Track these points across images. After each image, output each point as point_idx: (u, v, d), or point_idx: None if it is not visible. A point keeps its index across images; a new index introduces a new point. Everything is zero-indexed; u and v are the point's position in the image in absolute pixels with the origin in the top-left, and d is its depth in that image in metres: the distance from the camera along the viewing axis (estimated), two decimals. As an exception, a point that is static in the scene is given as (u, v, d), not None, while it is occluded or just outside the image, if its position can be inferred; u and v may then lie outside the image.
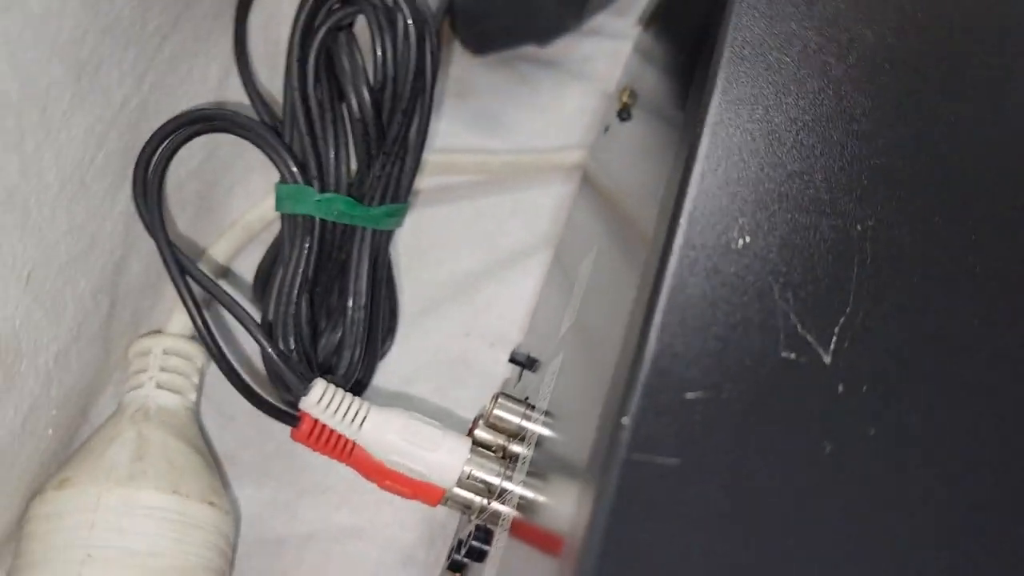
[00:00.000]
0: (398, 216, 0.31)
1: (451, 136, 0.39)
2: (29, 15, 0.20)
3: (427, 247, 0.36)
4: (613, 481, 0.17)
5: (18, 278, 0.22)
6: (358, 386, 0.31)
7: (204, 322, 0.27)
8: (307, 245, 0.29)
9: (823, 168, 0.22)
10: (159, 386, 0.29)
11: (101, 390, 0.29)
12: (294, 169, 0.29)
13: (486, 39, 0.41)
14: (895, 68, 0.25)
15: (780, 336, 0.20)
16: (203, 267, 0.31)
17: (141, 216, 0.27)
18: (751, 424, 0.18)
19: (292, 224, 0.29)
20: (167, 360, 0.29)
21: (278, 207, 0.29)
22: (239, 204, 0.33)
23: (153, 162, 0.27)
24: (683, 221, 0.21)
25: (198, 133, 0.28)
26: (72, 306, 0.25)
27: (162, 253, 0.26)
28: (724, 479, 0.18)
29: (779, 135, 0.23)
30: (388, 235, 0.31)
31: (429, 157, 0.36)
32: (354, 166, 0.30)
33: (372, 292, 0.31)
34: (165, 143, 0.27)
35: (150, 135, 0.27)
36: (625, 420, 0.18)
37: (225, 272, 0.32)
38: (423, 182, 0.37)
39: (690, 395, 0.18)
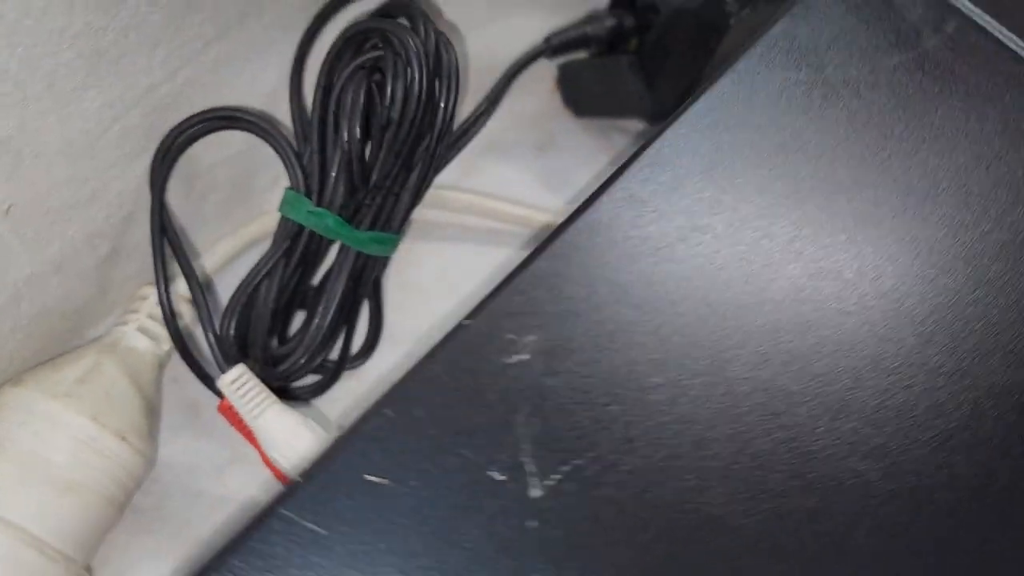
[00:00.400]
0: (386, 244, 0.34)
1: (514, 184, 0.41)
2: (30, 7, 0.24)
3: (447, 281, 0.38)
4: (257, 525, 0.19)
5: (-3, 208, 0.27)
6: (299, 390, 0.34)
7: (165, 277, 0.31)
8: (284, 247, 0.32)
9: (642, 317, 0.22)
10: (139, 329, 0.33)
11: (99, 320, 0.34)
12: (299, 178, 0.32)
13: (585, 105, 0.42)
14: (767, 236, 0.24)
15: (498, 455, 0.20)
16: (228, 244, 0.36)
17: (151, 178, 0.31)
18: (416, 524, 0.19)
19: (285, 226, 0.33)
20: (157, 310, 0.33)
21: (280, 208, 0.33)
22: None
23: (175, 142, 0.32)
24: (469, 320, 0.22)
25: (222, 128, 0.32)
26: (58, 244, 0.30)
27: (152, 210, 0.31)
28: (358, 565, 0.19)
29: (624, 263, 0.23)
30: (376, 260, 0.34)
31: (476, 199, 0.39)
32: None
33: (347, 310, 0.34)
34: (190, 130, 0.32)
35: (180, 120, 0.31)
36: (299, 479, 0.19)
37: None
38: (468, 220, 0.39)
39: (371, 478, 0.20)
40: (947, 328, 0.23)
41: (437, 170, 0.34)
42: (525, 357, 0.21)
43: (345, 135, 0.31)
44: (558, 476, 0.20)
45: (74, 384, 0.31)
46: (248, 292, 0.32)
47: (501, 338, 0.21)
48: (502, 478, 0.20)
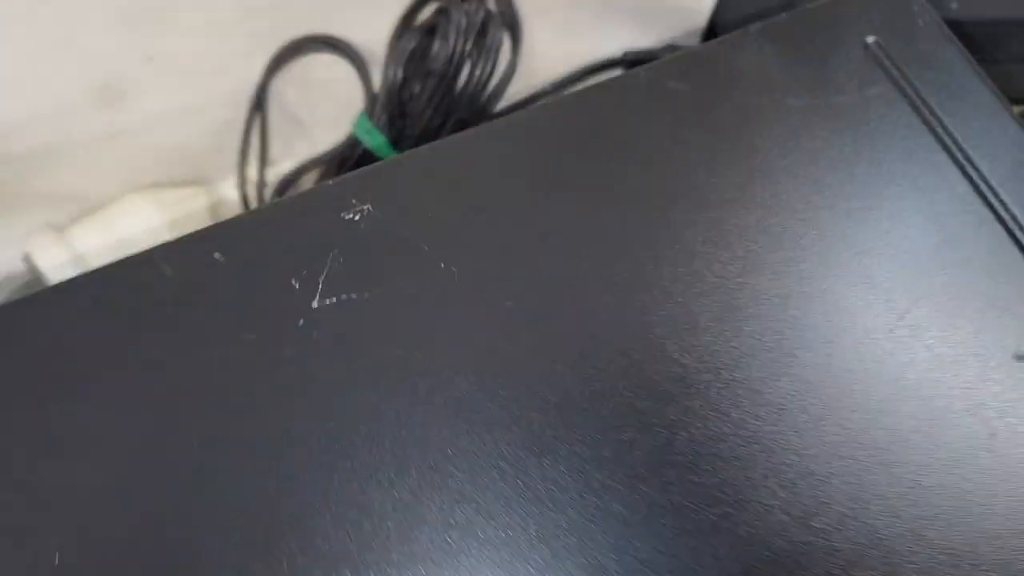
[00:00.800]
0: (420, 173, 0.42)
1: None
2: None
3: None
4: (125, 261, 0.28)
5: (144, 55, 0.39)
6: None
7: (247, 143, 0.42)
8: (341, 150, 0.42)
9: (455, 238, 0.29)
10: (235, 186, 0.44)
11: (214, 172, 0.45)
12: (370, 104, 0.42)
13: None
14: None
15: (303, 271, 0.28)
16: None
17: (266, 68, 0.42)
18: (229, 298, 0.28)
19: (349, 137, 0.42)
20: (253, 174, 0.44)
21: (353, 124, 0.43)
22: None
23: (289, 50, 0.42)
24: (330, 182, 0.30)
25: (328, 51, 0.43)
26: (186, 98, 0.41)
27: (256, 90, 0.42)
28: (191, 319, 0.27)
29: (458, 194, 0.30)
30: (411, 183, 0.43)
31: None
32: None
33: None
34: (304, 45, 0.42)
35: (298, 36, 0.42)
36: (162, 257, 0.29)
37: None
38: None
39: (217, 255, 0.28)
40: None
41: (470, 124, 0.42)
42: (356, 217, 0.29)
43: (391, 74, 0.40)
44: (334, 299, 0.27)
45: (170, 203, 0.42)
46: (296, 173, 0.42)
47: (346, 199, 0.29)
48: (297, 286, 0.28)
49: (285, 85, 0.43)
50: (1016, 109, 0.44)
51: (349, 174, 0.30)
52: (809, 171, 0.30)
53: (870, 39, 0.32)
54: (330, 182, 0.29)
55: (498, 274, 0.28)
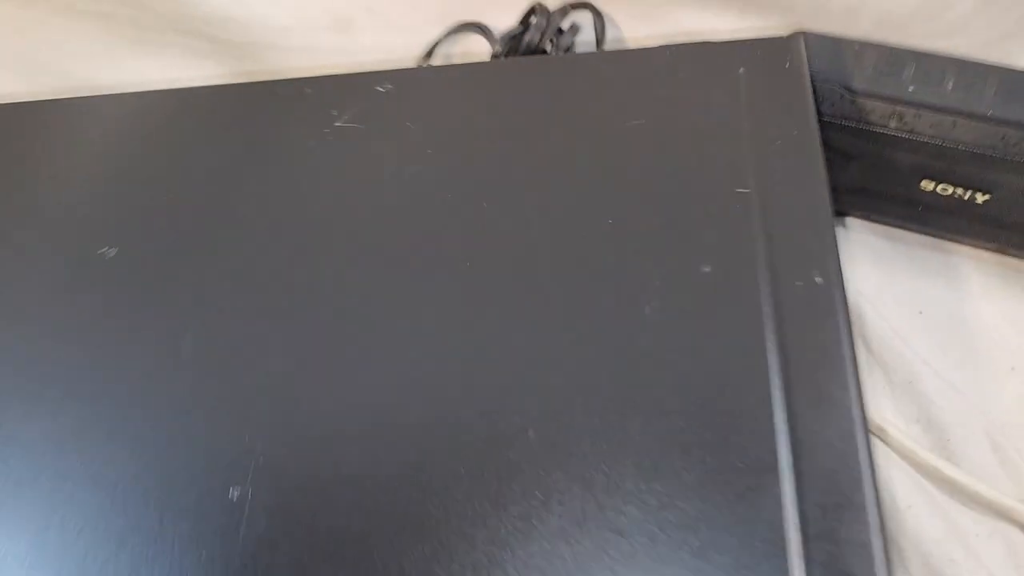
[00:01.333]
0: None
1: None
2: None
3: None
4: None
5: (367, 7, 0.64)
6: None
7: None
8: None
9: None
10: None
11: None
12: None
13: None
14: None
15: (341, 106, 0.50)
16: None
17: (438, 37, 0.66)
18: (299, 110, 0.51)
19: (472, 88, 0.64)
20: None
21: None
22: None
23: (456, 26, 0.65)
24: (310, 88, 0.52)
25: (475, 31, 0.65)
26: (388, 39, 0.66)
27: (430, 45, 0.65)
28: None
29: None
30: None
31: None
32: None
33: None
34: (464, 25, 0.65)
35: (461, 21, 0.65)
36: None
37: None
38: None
39: (307, 91, 0.51)
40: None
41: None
42: (382, 90, 0.50)
43: (495, 48, 0.61)
44: (347, 125, 0.49)
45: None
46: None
47: (383, 80, 0.50)
48: (335, 113, 0.50)
49: (449, 47, 0.66)
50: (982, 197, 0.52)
51: (394, 69, 0.51)
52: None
53: (741, 70, 0.47)
54: (383, 69, 0.51)
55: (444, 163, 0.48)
